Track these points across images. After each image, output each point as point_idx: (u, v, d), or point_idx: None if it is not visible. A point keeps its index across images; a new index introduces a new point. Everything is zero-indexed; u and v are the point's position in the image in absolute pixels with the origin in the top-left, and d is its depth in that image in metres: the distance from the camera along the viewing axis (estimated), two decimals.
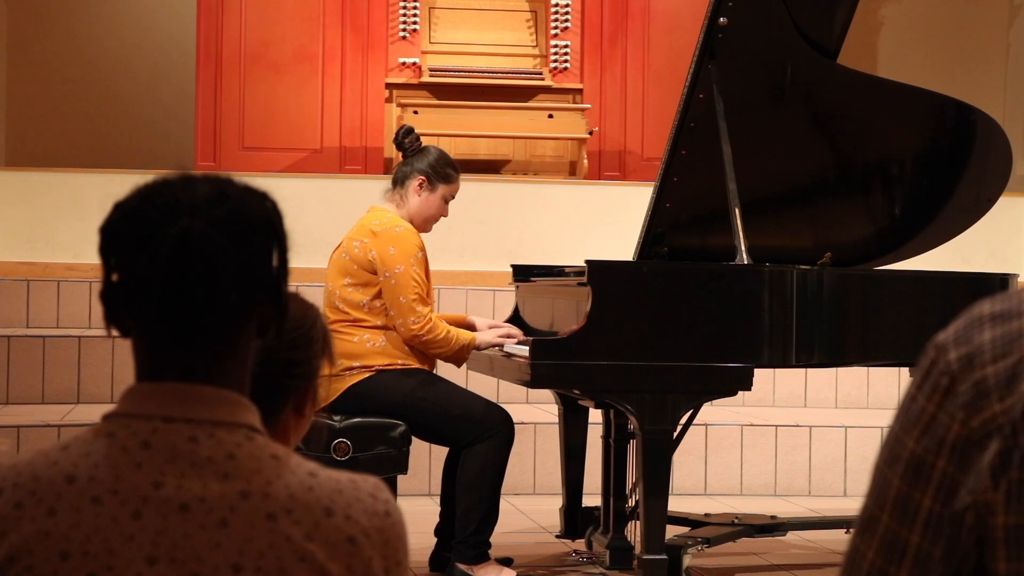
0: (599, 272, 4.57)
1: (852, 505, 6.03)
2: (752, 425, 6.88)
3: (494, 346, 4.97)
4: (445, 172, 5.04)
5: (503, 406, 5.00)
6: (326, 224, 6.77)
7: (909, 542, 1.26)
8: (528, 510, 6.27)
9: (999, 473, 1.20)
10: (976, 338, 1.26)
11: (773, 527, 5.34)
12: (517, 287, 5.53)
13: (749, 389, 4.60)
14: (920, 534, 1.25)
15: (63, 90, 10.32)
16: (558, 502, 5.51)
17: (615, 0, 9.14)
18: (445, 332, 4.88)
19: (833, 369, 7.26)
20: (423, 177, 5.01)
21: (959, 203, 5.34)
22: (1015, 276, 5.04)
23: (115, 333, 1.49)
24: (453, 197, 5.08)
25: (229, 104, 8.88)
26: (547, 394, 5.97)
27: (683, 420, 4.68)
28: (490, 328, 5.11)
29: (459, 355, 4.94)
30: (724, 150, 4.85)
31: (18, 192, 8.30)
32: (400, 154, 5.13)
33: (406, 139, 5.08)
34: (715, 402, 5.07)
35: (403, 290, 4.85)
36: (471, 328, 5.11)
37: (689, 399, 4.62)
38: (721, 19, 4.90)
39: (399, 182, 5.06)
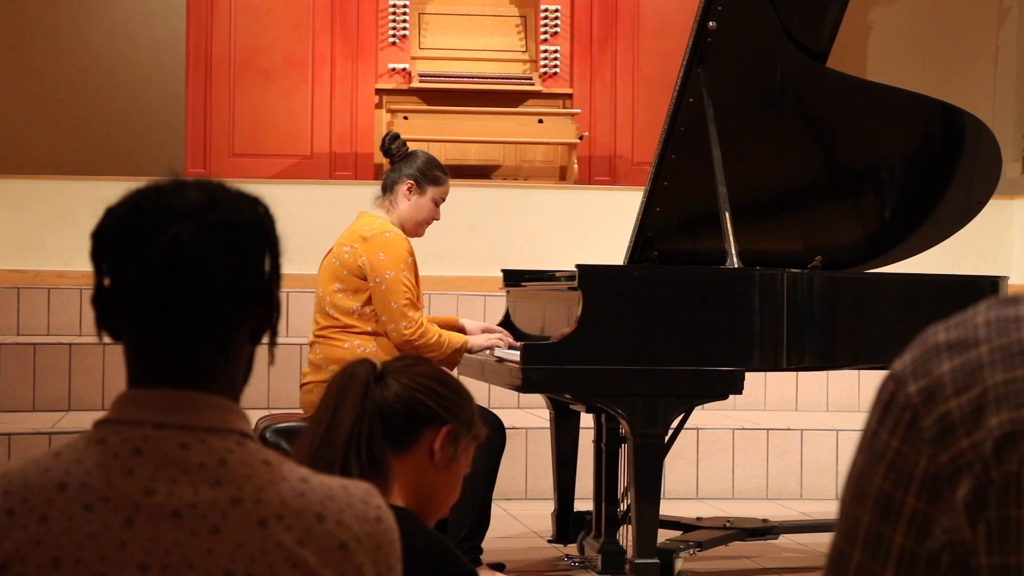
0: (590, 277, 4.57)
1: None
2: (743, 429, 6.88)
3: (486, 349, 4.97)
4: (433, 175, 5.04)
5: (495, 411, 5.00)
6: (317, 230, 6.76)
7: None
8: (520, 515, 6.27)
9: (975, 512, 1.18)
10: (935, 369, 1.23)
11: (765, 530, 5.34)
12: (508, 292, 5.52)
13: (740, 393, 4.60)
14: (894, 571, 1.23)
15: (52, 97, 10.30)
16: (550, 507, 5.50)
17: (605, 5, 9.14)
18: (437, 336, 4.88)
19: (824, 372, 7.26)
20: (411, 181, 5.01)
21: (949, 206, 5.35)
22: (1005, 279, 5.04)
23: (106, 339, 1.49)
24: (444, 200, 5.08)
25: (219, 110, 8.86)
26: (539, 399, 5.97)
27: (674, 424, 4.68)
28: (481, 332, 5.11)
29: (451, 359, 4.93)
30: (714, 154, 4.86)
31: (8, 200, 8.28)
32: (388, 161, 5.13)
33: (392, 145, 5.08)
34: (706, 406, 5.08)
35: (394, 296, 4.85)
36: (461, 331, 5.10)
37: (680, 403, 4.63)
38: (710, 23, 4.90)
39: (388, 188, 5.06)
